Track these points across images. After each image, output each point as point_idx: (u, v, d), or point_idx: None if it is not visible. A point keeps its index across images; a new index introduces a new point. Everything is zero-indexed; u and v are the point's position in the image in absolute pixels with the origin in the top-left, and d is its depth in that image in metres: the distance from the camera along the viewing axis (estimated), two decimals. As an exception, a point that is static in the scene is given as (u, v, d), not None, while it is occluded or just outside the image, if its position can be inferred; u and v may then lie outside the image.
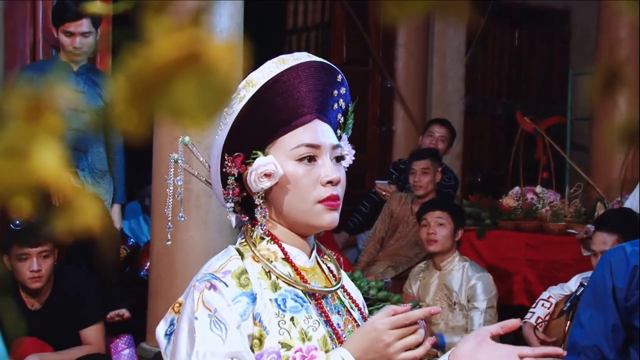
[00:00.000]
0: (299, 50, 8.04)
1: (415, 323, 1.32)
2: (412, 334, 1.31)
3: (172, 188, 1.47)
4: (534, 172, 5.32)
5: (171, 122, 0.42)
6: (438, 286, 3.99)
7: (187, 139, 1.48)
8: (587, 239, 3.98)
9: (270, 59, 1.40)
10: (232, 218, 1.45)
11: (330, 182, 1.40)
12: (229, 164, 1.40)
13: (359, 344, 1.32)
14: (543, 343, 3.52)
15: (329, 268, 1.53)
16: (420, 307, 4.09)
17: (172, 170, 1.47)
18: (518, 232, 4.80)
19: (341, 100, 1.48)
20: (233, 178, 1.40)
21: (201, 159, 1.50)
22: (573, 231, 4.42)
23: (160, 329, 1.42)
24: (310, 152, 1.40)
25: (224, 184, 1.42)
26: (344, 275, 1.57)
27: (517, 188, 4.99)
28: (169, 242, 1.52)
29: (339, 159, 1.44)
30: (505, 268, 4.67)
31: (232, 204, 1.41)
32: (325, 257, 1.54)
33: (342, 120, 1.50)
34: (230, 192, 1.41)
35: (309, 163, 1.40)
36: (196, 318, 1.31)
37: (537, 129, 5.22)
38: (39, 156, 0.42)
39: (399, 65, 6.55)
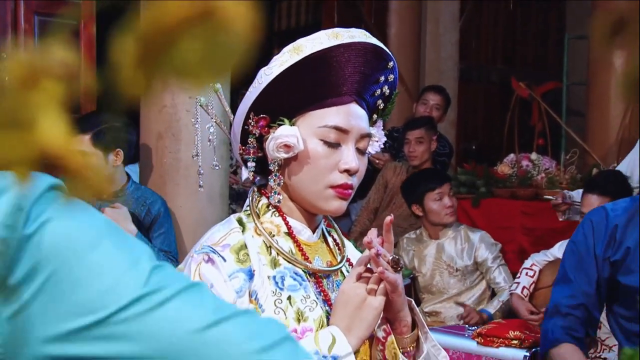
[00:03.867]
0: (288, 15, 7.99)
1: (373, 270, 1.33)
2: (380, 280, 1.33)
3: (199, 133, 1.45)
4: (529, 139, 5.34)
5: (176, 83, 0.42)
6: (436, 256, 4.03)
7: (217, 85, 1.45)
8: (563, 205, 4.01)
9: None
10: (244, 172, 1.43)
11: (347, 170, 1.38)
12: (252, 123, 1.38)
13: (340, 314, 1.33)
14: (532, 313, 3.57)
15: (334, 240, 1.52)
16: (415, 276, 4.12)
17: (198, 114, 1.45)
18: (513, 199, 4.82)
19: (386, 87, 1.45)
20: (253, 137, 1.38)
21: (227, 108, 1.48)
22: (548, 197, 4.44)
23: None
24: (337, 135, 1.37)
25: (243, 140, 1.41)
26: (349, 246, 1.56)
27: (512, 155, 5.00)
28: (202, 188, 1.52)
29: (362, 151, 1.42)
30: (500, 236, 4.69)
31: (253, 164, 1.39)
32: (330, 226, 1.53)
33: (381, 106, 1.47)
34: (250, 152, 1.39)
35: (332, 146, 1.38)
36: None
37: (532, 95, 5.22)
38: (42, 124, 0.42)
39: (392, 31, 6.51)
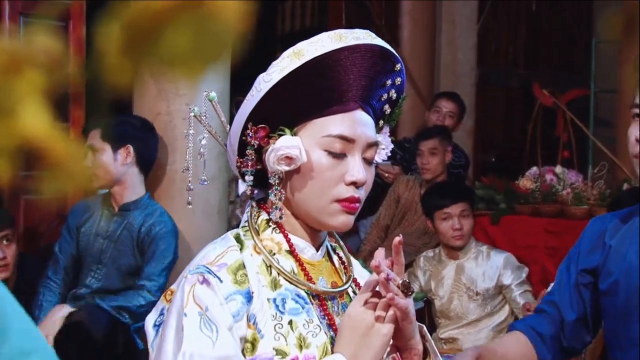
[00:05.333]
0: (292, 16, 8.04)
1: (382, 295, 1.32)
2: (388, 306, 1.31)
3: (191, 145, 1.45)
4: (554, 151, 5.33)
5: (163, 73, 0.43)
6: (455, 277, 4.00)
7: (212, 94, 1.45)
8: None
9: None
10: (242, 185, 1.44)
11: (354, 182, 1.38)
12: (250, 134, 1.38)
13: (346, 340, 1.32)
14: None
15: (340, 258, 1.51)
16: (430, 299, 4.11)
17: (191, 124, 1.45)
18: (536, 217, 4.80)
19: (393, 91, 1.45)
20: (252, 149, 1.38)
21: (223, 118, 1.48)
22: None
23: (150, 319, 1.40)
24: (342, 145, 1.37)
25: (241, 152, 1.40)
26: (356, 265, 1.55)
27: (535, 168, 4.99)
28: (190, 205, 1.52)
29: (369, 161, 1.42)
30: (522, 257, 4.69)
31: (252, 177, 1.39)
32: (335, 242, 1.53)
33: (388, 111, 1.47)
34: (249, 164, 1.39)
35: (337, 156, 1.38)
36: (185, 315, 1.29)
37: (556, 103, 5.21)
38: (23, 113, 0.42)
39: (404, 34, 6.54)
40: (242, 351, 1.32)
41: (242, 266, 1.35)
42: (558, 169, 4.93)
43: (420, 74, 6.39)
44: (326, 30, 1.42)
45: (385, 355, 1.38)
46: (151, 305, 3.41)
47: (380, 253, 1.32)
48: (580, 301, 2.03)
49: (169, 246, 3.35)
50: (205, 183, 1.51)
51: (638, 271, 1.89)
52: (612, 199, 4.33)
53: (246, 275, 1.35)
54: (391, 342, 1.36)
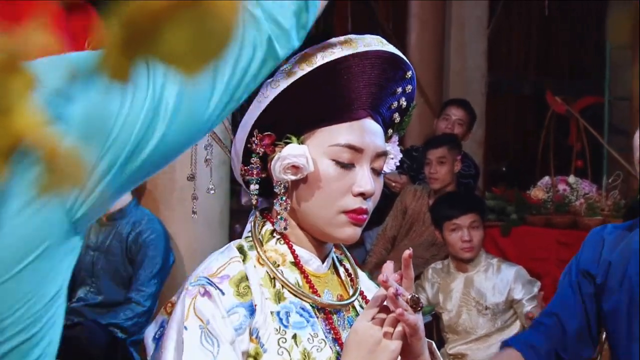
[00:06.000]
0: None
1: (389, 309, 1.31)
2: (396, 322, 1.30)
3: (196, 153, 1.45)
4: (567, 160, 5.33)
5: (163, 70, 0.43)
6: (463, 291, 3.99)
7: None
8: None
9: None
10: (244, 195, 1.44)
11: (362, 194, 1.38)
12: (256, 141, 1.39)
13: (352, 356, 1.31)
14: None
15: (346, 270, 1.51)
16: (438, 313, 4.10)
17: None
18: (548, 228, 4.80)
19: (403, 99, 1.46)
20: (257, 157, 1.39)
21: (227, 124, 1.49)
22: None
23: (150, 332, 1.40)
24: (351, 154, 1.38)
25: (246, 159, 1.41)
26: (363, 277, 1.55)
27: (547, 178, 4.99)
28: (195, 215, 1.51)
29: (378, 172, 1.42)
30: (533, 269, 4.69)
31: (257, 186, 1.40)
32: (341, 254, 1.53)
33: (398, 119, 1.48)
34: (253, 172, 1.39)
35: (345, 166, 1.38)
36: (186, 328, 1.30)
37: (569, 111, 5.22)
38: (19, 111, 0.43)
39: (412, 38, 6.55)
40: None
41: (245, 278, 1.35)
42: (571, 178, 4.94)
43: (428, 80, 6.39)
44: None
45: None
46: (140, 316, 3.45)
47: (388, 267, 1.32)
48: (582, 310, 2.06)
49: (158, 253, 3.40)
50: (213, 192, 1.51)
51: (639, 287, 1.89)
52: (627, 209, 4.33)
53: (249, 288, 1.35)
54: (399, 358, 1.36)
